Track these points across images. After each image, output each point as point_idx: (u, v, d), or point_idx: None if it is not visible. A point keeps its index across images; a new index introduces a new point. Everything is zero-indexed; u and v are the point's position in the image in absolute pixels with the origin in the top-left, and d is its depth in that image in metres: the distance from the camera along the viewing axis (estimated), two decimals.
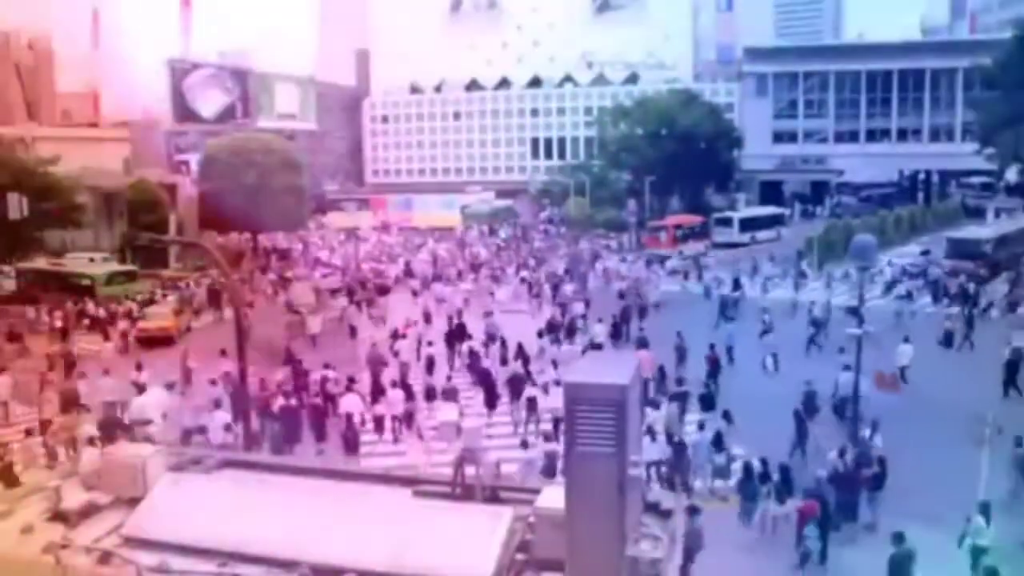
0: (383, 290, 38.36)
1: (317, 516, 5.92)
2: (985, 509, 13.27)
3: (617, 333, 28.92)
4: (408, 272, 45.45)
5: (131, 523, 6.12)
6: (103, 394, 20.49)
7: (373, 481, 6.99)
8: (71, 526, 6.26)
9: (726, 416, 17.94)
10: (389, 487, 6.71)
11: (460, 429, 6.99)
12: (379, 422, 19.44)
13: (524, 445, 17.18)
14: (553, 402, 17.71)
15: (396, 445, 18.75)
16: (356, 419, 18.41)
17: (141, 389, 21.16)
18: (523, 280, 39.69)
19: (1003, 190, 72.06)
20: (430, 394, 20.27)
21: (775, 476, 14.87)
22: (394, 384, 20.79)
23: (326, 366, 21.81)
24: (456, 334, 27.09)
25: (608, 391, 5.19)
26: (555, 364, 22.62)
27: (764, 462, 15.35)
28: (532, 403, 19.68)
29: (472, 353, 24.43)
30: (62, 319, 33.10)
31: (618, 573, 5.23)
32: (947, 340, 28.05)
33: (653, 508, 6.27)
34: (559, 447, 14.50)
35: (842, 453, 15.30)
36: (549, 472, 14.93)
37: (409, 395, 19.93)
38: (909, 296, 34.87)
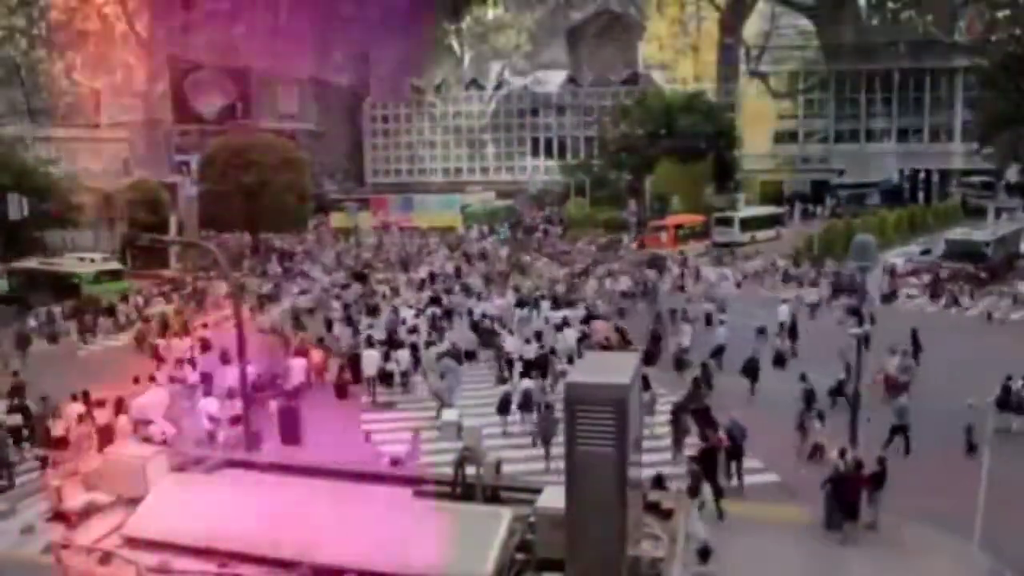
0: (372, 309, 32.86)
1: (317, 516, 5.91)
2: None
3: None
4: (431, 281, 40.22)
5: (131, 523, 6.11)
6: (174, 352, 24.48)
7: (373, 481, 6.98)
8: (71, 526, 6.25)
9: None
10: (389, 487, 6.71)
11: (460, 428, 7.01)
12: (391, 376, 23.44)
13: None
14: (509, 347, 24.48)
15: (403, 388, 23.37)
16: (374, 371, 22.67)
17: (206, 344, 24.51)
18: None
19: (1003, 190, 72.05)
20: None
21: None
22: (401, 345, 25.09)
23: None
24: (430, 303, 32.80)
25: (608, 391, 5.18)
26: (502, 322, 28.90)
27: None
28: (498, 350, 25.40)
29: (441, 313, 30.45)
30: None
31: (618, 573, 5.22)
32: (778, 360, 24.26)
33: (653, 508, 6.27)
34: (517, 387, 19.98)
35: (842, 453, 15.26)
36: (525, 407, 19.21)
37: (415, 351, 24.38)
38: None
